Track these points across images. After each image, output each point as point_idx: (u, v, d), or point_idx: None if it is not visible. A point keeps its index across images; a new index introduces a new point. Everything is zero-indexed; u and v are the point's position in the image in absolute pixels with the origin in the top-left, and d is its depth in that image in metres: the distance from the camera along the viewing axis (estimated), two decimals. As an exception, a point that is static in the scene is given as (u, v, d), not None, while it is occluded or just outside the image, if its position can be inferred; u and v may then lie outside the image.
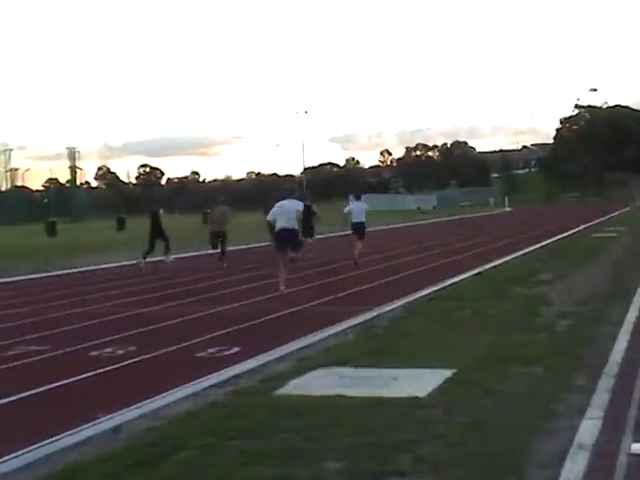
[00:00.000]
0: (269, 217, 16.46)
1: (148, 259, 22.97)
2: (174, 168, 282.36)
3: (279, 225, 15.68)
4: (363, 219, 21.87)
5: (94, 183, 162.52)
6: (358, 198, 23.95)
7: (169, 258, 23.92)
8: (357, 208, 22.21)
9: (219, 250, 23.11)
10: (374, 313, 12.21)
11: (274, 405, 6.93)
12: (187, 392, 7.60)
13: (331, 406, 6.78)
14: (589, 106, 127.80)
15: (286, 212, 15.71)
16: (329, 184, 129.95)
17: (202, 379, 8.08)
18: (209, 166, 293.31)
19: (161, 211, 24.33)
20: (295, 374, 8.14)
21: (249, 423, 6.35)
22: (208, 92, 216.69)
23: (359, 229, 21.67)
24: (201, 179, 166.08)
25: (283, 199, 16.27)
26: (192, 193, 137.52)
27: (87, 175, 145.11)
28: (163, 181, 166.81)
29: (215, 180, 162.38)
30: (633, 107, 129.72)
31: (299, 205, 16.31)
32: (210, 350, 9.75)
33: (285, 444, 5.77)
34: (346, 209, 22.63)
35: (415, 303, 13.36)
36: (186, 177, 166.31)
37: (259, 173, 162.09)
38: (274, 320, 12.19)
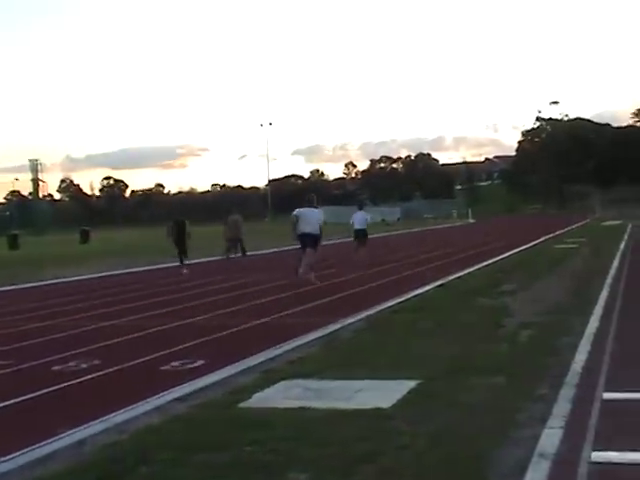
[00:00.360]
0: (293, 220, 18.74)
1: (185, 262, 24.92)
2: (138, 180, 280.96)
3: (304, 230, 18.34)
4: (364, 226, 24.50)
5: (57, 195, 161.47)
6: (360, 208, 26.36)
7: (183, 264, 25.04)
8: (359, 217, 24.85)
9: (232, 255, 27.37)
10: (338, 325, 12.24)
11: (238, 418, 6.93)
12: (151, 406, 7.56)
13: (295, 418, 6.79)
14: (550, 119, 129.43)
15: (309, 219, 18.37)
16: (294, 196, 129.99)
17: (166, 392, 8.05)
18: (174, 178, 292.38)
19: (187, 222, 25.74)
20: (259, 387, 8.15)
21: (213, 436, 6.34)
22: (173, 104, 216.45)
23: (361, 236, 24.42)
24: (165, 191, 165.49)
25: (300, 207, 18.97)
26: (156, 205, 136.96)
27: (50, 187, 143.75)
28: (127, 193, 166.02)
29: (180, 192, 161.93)
30: (593, 120, 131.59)
31: (320, 214, 18.94)
32: (174, 363, 9.71)
33: (249, 457, 5.77)
34: (351, 220, 24.98)
35: (379, 315, 13.42)
36: (150, 189, 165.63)
37: (224, 185, 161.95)
38: (239, 332, 12.17)
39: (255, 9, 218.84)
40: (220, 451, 5.94)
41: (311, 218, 18.51)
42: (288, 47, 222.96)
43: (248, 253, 28.69)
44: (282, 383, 8.29)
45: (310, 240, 18.42)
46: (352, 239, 25.34)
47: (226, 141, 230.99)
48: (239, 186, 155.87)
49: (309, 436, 6.21)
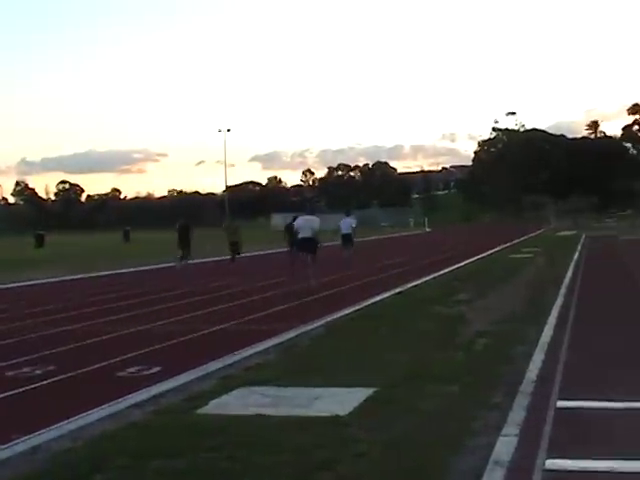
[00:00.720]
0: (295, 228, 20.46)
1: (190, 261, 27.77)
2: (95, 185, 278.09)
3: (301, 235, 19.72)
4: (350, 231, 27.05)
5: (12, 199, 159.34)
6: (348, 215, 28.96)
7: (183, 262, 27.57)
8: (345, 223, 27.44)
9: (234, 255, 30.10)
10: (296, 332, 12.25)
11: (195, 424, 6.90)
12: (106, 412, 7.50)
13: (252, 425, 6.79)
14: (506, 129, 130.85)
15: (305, 226, 19.78)
16: (251, 203, 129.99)
17: (122, 399, 7.99)
18: (131, 183, 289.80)
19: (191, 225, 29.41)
20: (217, 393, 8.13)
21: (169, 443, 6.31)
22: (131, 109, 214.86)
23: (346, 240, 26.99)
24: (122, 196, 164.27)
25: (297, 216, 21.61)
26: (112, 210, 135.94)
27: (5, 191, 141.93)
28: (83, 198, 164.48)
29: (137, 197, 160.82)
30: (549, 131, 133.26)
31: (316, 221, 20.07)
32: (131, 369, 9.65)
33: (206, 464, 5.75)
34: (339, 225, 27.79)
35: (337, 322, 13.45)
36: (107, 194, 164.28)
37: (181, 191, 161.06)
38: (197, 339, 12.12)
39: (213, 14, 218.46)
40: (176, 458, 5.91)
41: (308, 225, 19.87)
42: (246, 53, 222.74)
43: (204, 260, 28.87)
44: (239, 390, 8.28)
45: (308, 244, 19.60)
46: (340, 243, 27.70)
47: (184, 147, 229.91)
48: (196, 192, 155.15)
49: (266, 443, 6.20)
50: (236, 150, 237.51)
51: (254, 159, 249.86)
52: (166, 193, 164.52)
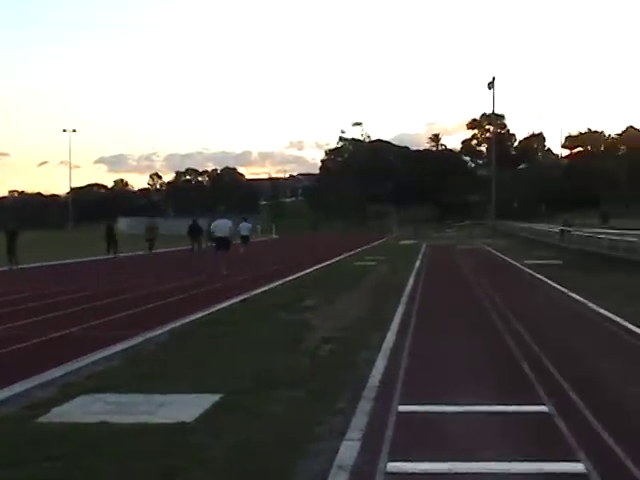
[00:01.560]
0: (211, 229, 26.79)
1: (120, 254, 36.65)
2: None
3: (217, 235, 25.72)
4: (248, 233, 34.79)
5: None
6: (245, 220, 36.65)
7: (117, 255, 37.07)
8: (244, 226, 35.00)
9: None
10: (141, 338, 12.07)
11: (36, 433, 6.71)
12: (-60, 422, 7.18)
13: (95, 433, 6.67)
14: (353, 139, 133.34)
15: (222, 227, 25.62)
16: (97, 206, 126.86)
17: (-44, 408, 7.67)
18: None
19: (115, 224, 38.60)
20: (58, 401, 7.93)
21: (8, 452, 6.12)
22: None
23: (245, 239, 34.66)
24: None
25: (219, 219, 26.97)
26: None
27: None
28: None
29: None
30: (393, 142, 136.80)
31: (229, 223, 26.13)
32: (-35, 377, 9.25)
33: (46, 473, 5.62)
34: (238, 227, 33.28)
35: (183, 328, 13.35)
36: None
37: (22, 192, 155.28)
38: (39, 345, 11.74)
39: (65, 12, 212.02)
40: (15, 467, 5.74)
41: (223, 227, 25.68)
42: (94, 54, 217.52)
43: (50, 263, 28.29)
44: (82, 397, 8.10)
45: (223, 242, 25.44)
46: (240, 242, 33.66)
47: (27, 146, 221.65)
48: (39, 193, 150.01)
49: (110, 451, 6.11)
50: (81, 151, 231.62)
51: (100, 161, 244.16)
52: (7, 194, 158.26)
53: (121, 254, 38.19)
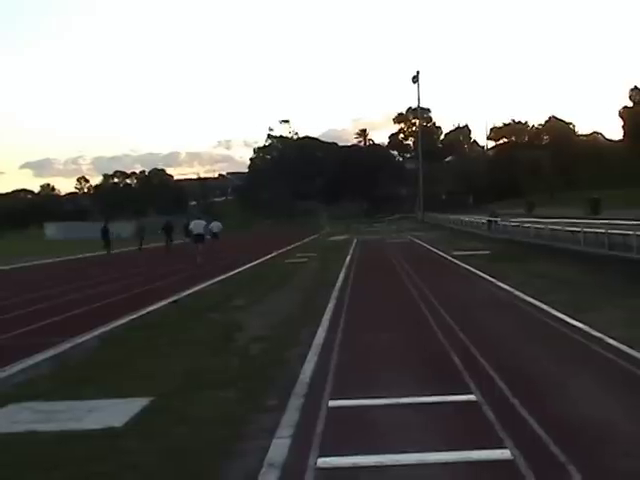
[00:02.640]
0: (190, 227, 34.26)
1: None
2: None
3: (195, 232, 33.20)
4: (202, 232, 34.14)
5: None
6: (199, 218, 38.00)
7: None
8: (197, 224, 34.61)
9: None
10: (69, 344, 11.90)
11: (-40, 446, 6.58)
12: None
13: (24, 442, 6.58)
14: (281, 136, 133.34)
15: (198, 226, 33.79)
16: (24, 211, 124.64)
17: None
18: None
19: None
20: (-16, 412, 7.78)
21: None
22: None
23: (199, 239, 33.53)
24: None
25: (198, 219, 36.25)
26: None
27: None
28: None
29: None
30: (321, 139, 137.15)
31: (203, 224, 34.83)
32: None
33: (-28, 486, 5.52)
34: (190, 226, 34.83)
35: (112, 332, 13.20)
36: None
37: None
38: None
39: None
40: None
41: (198, 225, 33.92)
42: (14, 56, 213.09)
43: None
44: (9, 407, 7.97)
45: (199, 238, 32.99)
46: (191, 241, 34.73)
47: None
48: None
49: (39, 460, 6.04)
50: (6, 157, 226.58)
51: (25, 166, 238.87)
52: None
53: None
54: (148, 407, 7.71)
